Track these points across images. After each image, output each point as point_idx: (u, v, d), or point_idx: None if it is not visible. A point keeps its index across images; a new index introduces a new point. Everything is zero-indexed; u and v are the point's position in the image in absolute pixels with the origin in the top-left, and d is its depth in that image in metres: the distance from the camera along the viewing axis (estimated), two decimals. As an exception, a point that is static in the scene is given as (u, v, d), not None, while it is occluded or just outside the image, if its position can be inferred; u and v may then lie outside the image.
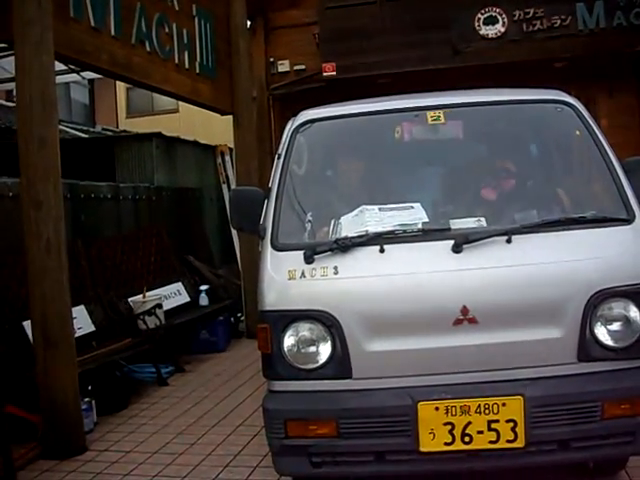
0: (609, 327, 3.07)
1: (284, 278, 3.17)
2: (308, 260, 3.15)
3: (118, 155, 9.63)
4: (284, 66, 9.82)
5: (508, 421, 2.97)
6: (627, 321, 3.07)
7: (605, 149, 3.44)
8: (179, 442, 5.09)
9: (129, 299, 7.22)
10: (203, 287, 8.53)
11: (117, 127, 16.60)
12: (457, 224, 3.24)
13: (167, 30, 7.37)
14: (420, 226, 3.23)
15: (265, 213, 3.46)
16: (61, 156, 5.03)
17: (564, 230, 3.16)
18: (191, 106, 8.85)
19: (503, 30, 9.01)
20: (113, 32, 6.26)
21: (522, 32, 8.98)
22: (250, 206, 3.51)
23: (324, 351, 3.13)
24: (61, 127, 8.80)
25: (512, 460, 3.06)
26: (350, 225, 3.30)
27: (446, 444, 2.99)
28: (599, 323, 3.07)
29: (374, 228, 3.22)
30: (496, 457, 3.04)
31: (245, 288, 8.91)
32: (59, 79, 7.41)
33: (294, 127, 3.70)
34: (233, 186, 10.45)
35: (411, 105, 3.72)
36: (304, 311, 3.13)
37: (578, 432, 3.01)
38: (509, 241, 3.09)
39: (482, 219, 3.29)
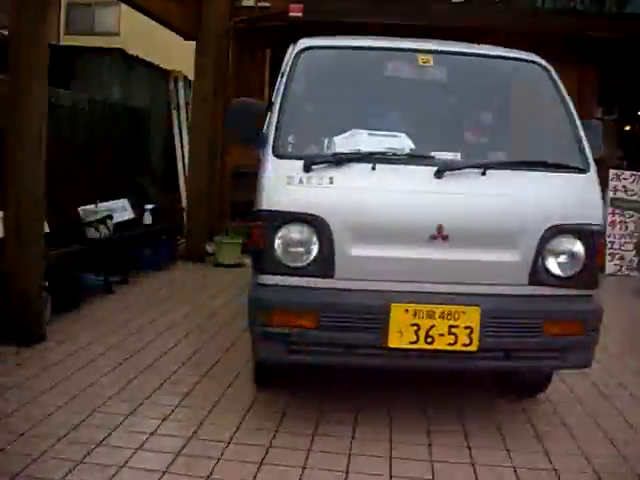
0: (557, 258, 3.56)
1: (283, 182, 3.49)
2: (307, 169, 3.47)
3: (76, 67, 9.53)
4: (249, 1, 9.88)
5: (466, 327, 3.42)
6: (572, 255, 3.57)
7: (571, 109, 3.90)
8: (134, 341, 5.34)
9: (79, 208, 7.29)
10: (148, 206, 8.67)
11: (58, 43, 16.13)
12: (438, 155, 3.64)
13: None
14: (408, 151, 3.62)
15: (267, 124, 3.75)
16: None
17: (531, 171, 3.62)
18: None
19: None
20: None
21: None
22: (250, 117, 3.79)
23: (312, 251, 3.48)
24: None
25: (464, 362, 3.54)
26: (342, 144, 3.63)
27: (411, 342, 3.42)
28: (550, 253, 3.55)
29: (366, 148, 3.58)
30: (452, 358, 3.50)
31: (189, 213, 9.21)
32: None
33: (296, 51, 3.97)
34: (182, 113, 10.59)
35: (405, 46, 4.06)
36: (298, 214, 3.46)
37: (522, 344, 3.52)
38: (484, 174, 3.52)
39: (458, 154, 3.71)
